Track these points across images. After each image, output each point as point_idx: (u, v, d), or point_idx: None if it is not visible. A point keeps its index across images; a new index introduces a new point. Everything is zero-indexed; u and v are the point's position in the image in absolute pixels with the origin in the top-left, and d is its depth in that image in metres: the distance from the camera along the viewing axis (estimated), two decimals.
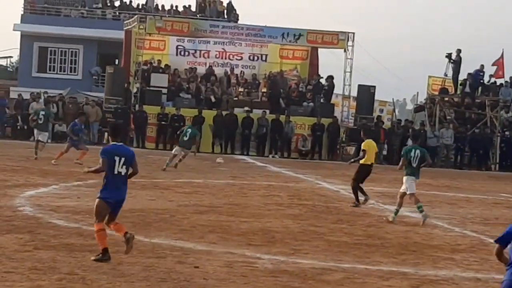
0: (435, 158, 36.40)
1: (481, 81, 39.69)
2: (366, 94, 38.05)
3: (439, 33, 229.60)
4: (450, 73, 39.12)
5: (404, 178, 16.53)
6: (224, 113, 36.02)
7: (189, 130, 26.17)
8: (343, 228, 14.97)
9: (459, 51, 38.55)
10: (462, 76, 39.15)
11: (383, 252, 12.48)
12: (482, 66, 39.74)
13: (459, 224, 16.55)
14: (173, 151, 26.26)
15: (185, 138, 25.71)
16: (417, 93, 47.80)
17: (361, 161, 18.83)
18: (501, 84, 40.87)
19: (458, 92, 39.42)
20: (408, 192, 16.36)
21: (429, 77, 43.62)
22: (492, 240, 14.05)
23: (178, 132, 27.47)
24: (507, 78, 41.31)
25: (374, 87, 38.52)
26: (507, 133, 37.82)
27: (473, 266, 11.78)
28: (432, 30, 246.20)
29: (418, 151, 16.64)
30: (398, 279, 10.55)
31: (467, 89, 38.89)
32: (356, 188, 18.76)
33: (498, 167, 36.95)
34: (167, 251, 11.38)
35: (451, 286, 10.37)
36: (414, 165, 16.48)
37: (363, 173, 18.80)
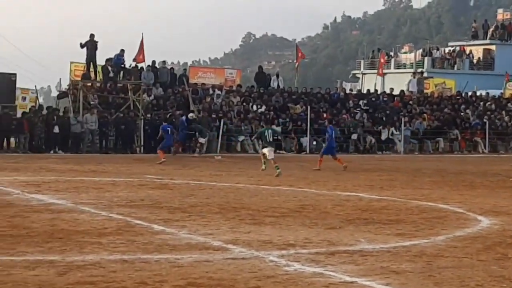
0: (80, 144, 36.41)
1: (122, 65, 40.28)
2: (6, 82, 36.97)
3: (78, 18, 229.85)
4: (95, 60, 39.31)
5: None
6: None
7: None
8: None
9: (92, 35, 38.74)
10: (101, 61, 39.54)
11: (28, 242, 12.19)
12: (123, 50, 40.34)
13: (105, 208, 16.64)
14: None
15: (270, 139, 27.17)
16: (60, 79, 47.37)
17: None
18: (142, 68, 41.85)
19: (100, 77, 39.69)
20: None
21: (71, 63, 43.42)
22: (138, 222, 14.39)
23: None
24: (148, 62, 42.42)
25: (15, 74, 37.55)
26: (148, 115, 38.71)
27: (120, 248, 11.90)
28: (72, 17, 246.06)
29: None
30: (44, 267, 10.36)
31: (110, 74, 39.29)
32: None
33: (143, 150, 37.77)
34: None
35: (98, 269, 10.37)
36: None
37: None
